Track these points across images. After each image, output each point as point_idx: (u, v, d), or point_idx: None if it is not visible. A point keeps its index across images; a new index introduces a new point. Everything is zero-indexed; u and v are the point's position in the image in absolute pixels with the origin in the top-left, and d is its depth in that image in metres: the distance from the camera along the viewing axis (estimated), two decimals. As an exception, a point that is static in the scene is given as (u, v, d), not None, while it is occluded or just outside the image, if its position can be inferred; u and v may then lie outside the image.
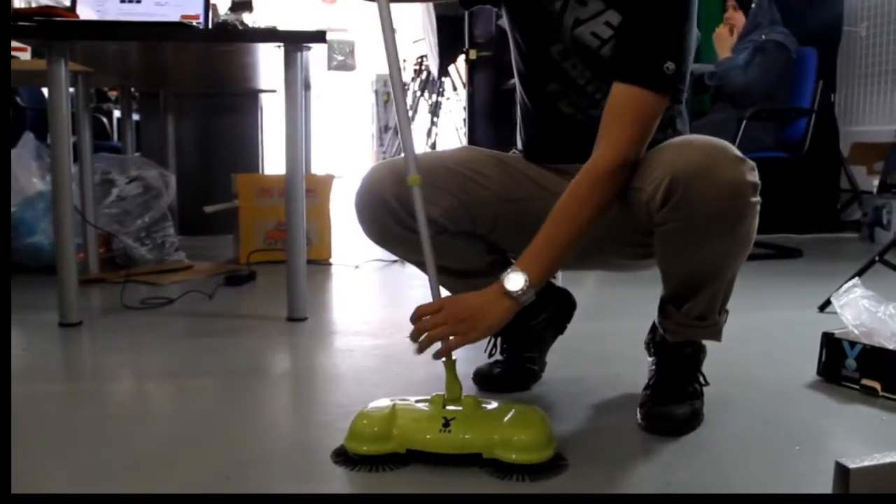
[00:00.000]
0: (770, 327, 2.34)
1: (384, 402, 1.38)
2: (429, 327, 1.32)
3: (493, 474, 1.26)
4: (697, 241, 1.35)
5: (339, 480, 1.26)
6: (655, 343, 1.59)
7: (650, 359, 1.61)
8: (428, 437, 1.29)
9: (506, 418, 1.31)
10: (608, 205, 1.37)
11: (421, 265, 1.60)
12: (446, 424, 1.29)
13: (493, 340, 1.75)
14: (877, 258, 2.58)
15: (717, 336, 1.53)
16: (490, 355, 1.75)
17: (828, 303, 2.52)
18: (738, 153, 1.33)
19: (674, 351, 1.55)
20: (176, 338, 2.24)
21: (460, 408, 1.33)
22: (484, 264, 1.61)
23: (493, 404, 1.38)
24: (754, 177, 1.33)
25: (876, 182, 4.51)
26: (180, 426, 1.53)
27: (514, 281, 1.32)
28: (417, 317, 1.33)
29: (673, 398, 1.49)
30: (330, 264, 3.36)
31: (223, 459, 1.34)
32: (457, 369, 1.36)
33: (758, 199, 1.34)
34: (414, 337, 1.32)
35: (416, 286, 2.80)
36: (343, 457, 1.32)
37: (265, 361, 2.00)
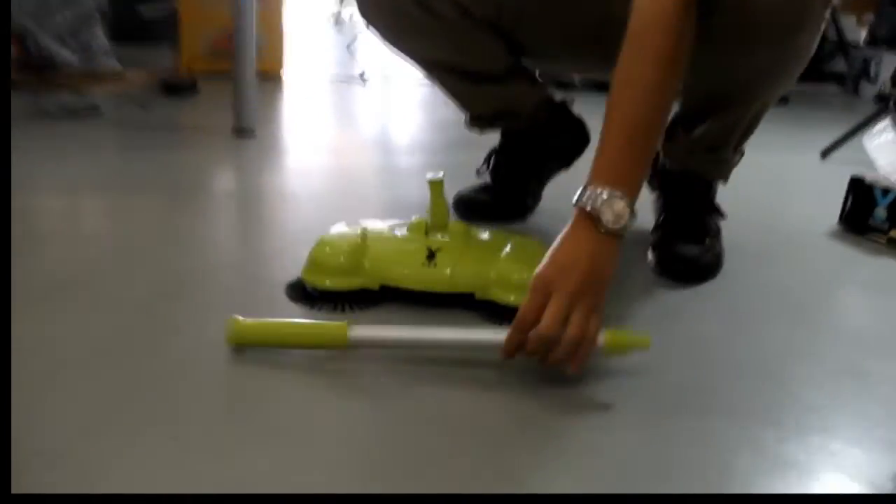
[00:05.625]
0: (775, 171, 2.12)
1: (351, 227, 1.13)
2: (542, 336, 0.84)
3: (488, 318, 1.03)
4: (738, 46, 1.10)
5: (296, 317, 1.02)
6: (660, 173, 1.35)
7: (653, 194, 1.38)
8: (407, 271, 1.05)
9: (503, 252, 1.07)
10: (684, 46, 0.96)
11: (432, 65, 1.38)
12: (431, 257, 1.05)
13: (486, 159, 1.50)
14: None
15: (724, 174, 1.32)
16: (478, 175, 1.50)
17: (831, 149, 2.33)
18: None
19: (681, 183, 1.32)
20: (106, 150, 1.93)
21: (447, 237, 1.09)
22: (501, 67, 1.37)
23: (487, 234, 1.14)
24: None
25: (864, 33, 4.26)
26: (114, 246, 1.25)
27: (610, 206, 0.88)
28: (519, 330, 0.86)
29: (687, 236, 1.27)
30: (281, 78, 3.02)
31: (160, 284, 1.09)
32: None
33: (827, 11, 1.09)
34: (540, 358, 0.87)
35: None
36: (301, 292, 1.08)
37: (208, 178, 1.71)
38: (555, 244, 0.90)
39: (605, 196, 0.88)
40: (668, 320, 1.09)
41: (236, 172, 1.79)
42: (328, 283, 1.05)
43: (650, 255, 1.28)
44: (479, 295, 1.04)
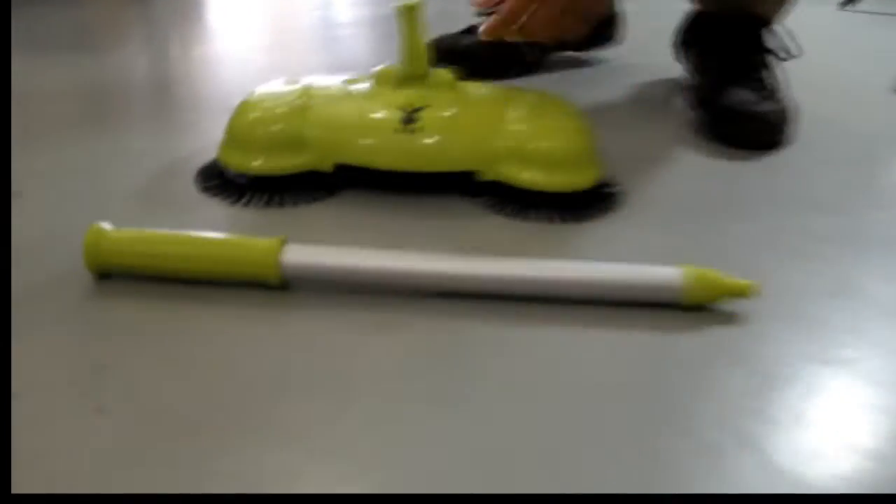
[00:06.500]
0: (795, 25, 1.77)
1: (287, 84, 0.77)
2: None
3: (499, 209, 0.70)
4: None
5: (210, 220, 0.67)
6: (691, 25, 1.03)
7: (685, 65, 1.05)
8: (374, 141, 0.70)
9: (513, 110, 0.73)
10: None
11: None
12: (408, 120, 0.70)
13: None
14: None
15: (778, 5, 0.99)
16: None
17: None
18: None
19: (727, 27, 1.00)
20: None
21: (430, 91, 0.74)
22: None
23: (486, 88, 0.79)
24: None
25: None
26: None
27: None
28: None
29: (746, 82, 0.94)
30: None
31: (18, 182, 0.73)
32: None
33: None
34: None
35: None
36: (218, 181, 0.73)
37: (104, 39, 1.32)
38: None
39: None
40: (733, 210, 0.77)
41: (140, 31, 1.40)
42: (256, 163, 0.70)
43: (693, 113, 0.95)
44: (483, 174, 0.70)
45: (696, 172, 0.83)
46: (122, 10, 1.51)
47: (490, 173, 0.70)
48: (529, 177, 0.69)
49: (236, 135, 0.72)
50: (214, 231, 0.58)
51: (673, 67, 1.09)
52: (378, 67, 0.75)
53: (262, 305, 0.54)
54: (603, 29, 1.18)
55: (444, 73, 0.75)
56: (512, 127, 0.70)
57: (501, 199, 0.70)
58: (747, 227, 0.71)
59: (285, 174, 0.70)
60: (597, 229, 0.68)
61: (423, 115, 0.70)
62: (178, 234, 0.56)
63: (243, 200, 0.69)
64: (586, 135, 0.72)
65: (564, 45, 1.16)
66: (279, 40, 1.36)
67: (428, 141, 0.69)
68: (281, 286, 0.55)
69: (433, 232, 0.66)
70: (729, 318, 0.56)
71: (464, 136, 0.70)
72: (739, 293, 0.57)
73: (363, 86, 0.75)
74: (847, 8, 1.99)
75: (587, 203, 0.70)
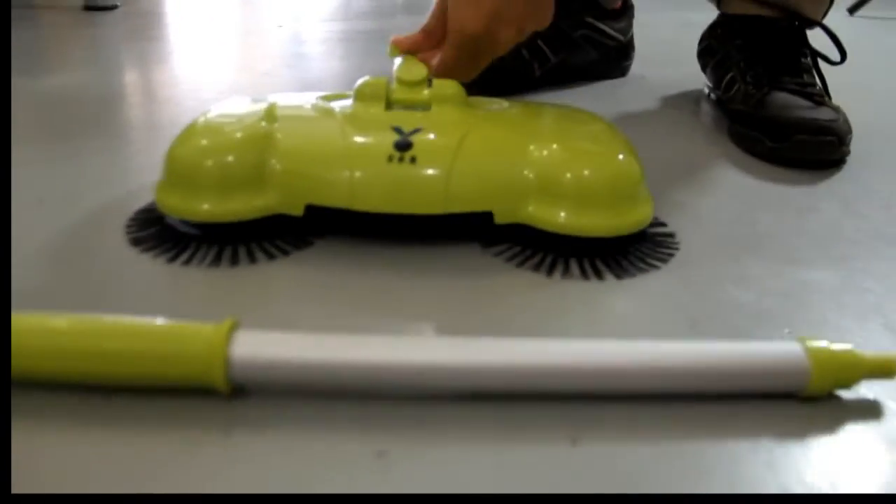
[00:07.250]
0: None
1: (249, 102, 0.61)
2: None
3: (520, 260, 0.53)
4: None
5: (139, 288, 0.50)
6: (722, 29, 0.89)
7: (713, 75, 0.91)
8: (357, 175, 0.53)
9: (542, 132, 0.56)
10: None
11: None
12: (403, 146, 0.53)
13: None
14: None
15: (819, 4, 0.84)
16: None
17: (859, 4, 1.87)
18: None
19: (761, 28, 0.86)
20: None
21: (431, 108, 0.57)
22: None
23: (501, 103, 0.63)
24: None
25: None
26: None
27: None
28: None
29: (792, 87, 0.80)
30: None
31: None
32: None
33: None
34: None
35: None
36: (154, 229, 0.56)
37: (49, 59, 1.15)
38: None
39: None
40: (810, 250, 0.61)
41: (92, 52, 1.23)
42: (203, 207, 0.53)
43: (730, 127, 0.81)
44: (500, 217, 0.53)
45: (750, 201, 0.67)
46: (77, 30, 1.35)
47: (513, 215, 0.53)
48: (560, 217, 0.52)
49: (178, 169, 0.55)
50: (141, 306, 0.41)
51: (687, 80, 0.95)
52: (362, 80, 0.58)
53: (203, 427, 0.37)
54: (617, 57, 1.04)
55: (449, 86, 0.58)
56: (540, 152, 0.53)
57: (525, 247, 0.54)
58: (833, 274, 0.55)
59: (241, 220, 0.53)
60: (649, 284, 0.52)
61: (423, 138, 0.53)
62: (84, 318, 0.39)
63: (184, 256, 0.52)
64: (635, 160, 0.55)
65: (575, 70, 1.01)
66: (242, 59, 1.19)
67: (430, 173, 0.52)
68: (231, 393, 0.38)
69: (439, 296, 0.49)
70: (867, 410, 0.40)
71: (477, 166, 0.53)
72: (884, 373, 0.40)
73: (343, 103, 0.59)
74: (856, 14, 1.86)
75: (635, 250, 0.54)
